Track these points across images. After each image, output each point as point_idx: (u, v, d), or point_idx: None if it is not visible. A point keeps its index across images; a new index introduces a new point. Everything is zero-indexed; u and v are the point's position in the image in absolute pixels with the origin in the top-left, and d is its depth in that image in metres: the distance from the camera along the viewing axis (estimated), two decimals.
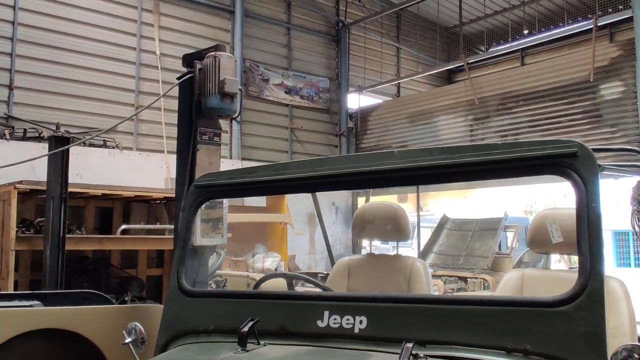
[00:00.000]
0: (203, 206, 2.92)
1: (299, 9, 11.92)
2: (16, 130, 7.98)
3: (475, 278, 7.83)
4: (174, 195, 7.66)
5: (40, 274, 6.95)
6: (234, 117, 4.19)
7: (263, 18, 11.37)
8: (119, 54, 9.26)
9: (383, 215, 3.28)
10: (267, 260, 8.44)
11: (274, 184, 2.48)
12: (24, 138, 7.86)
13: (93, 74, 8.92)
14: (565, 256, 8.24)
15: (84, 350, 4.17)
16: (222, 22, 10.71)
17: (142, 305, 6.50)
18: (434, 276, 7.26)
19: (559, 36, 10.79)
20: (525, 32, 12.65)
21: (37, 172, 7.36)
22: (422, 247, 6.29)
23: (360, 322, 2.06)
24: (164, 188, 8.42)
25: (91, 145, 8.53)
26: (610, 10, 10.47)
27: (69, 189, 6.16)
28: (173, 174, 9.02)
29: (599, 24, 9.12)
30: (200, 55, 4.19)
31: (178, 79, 4.18)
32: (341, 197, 11.50)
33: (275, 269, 8.08)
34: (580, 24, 10.63)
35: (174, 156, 9.24)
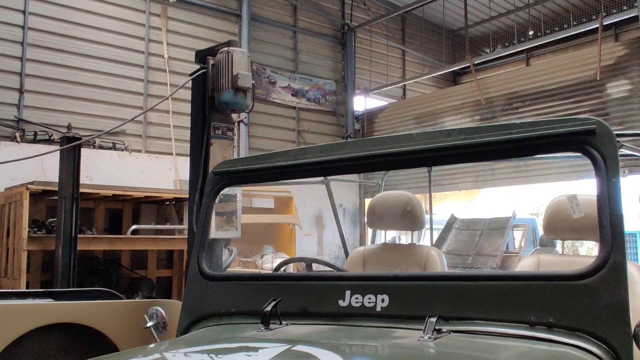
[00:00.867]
0: (217, 199, 2.95)
1: (305, 12, 11.99)
2: (27, 133, 8.05)
3: None
4: (183, 196, 7.75)
5: (51, 275, 7.00)
6: (247, 111, 4.22)
7: (269, 21, 11.45)
8: (127, 58, 9.33)
9: (398, 204, 3.30)
10: (276, 261, 8.45)
11: (292, 169, 2.51)
12: (35, 141, 7.92)
13: (102, 78, 8.99)
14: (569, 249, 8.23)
15: (99, 345, 4.19)
16: (229, 25, 10.79)
17: (156, 300, 6.53)
18: None
19: (565, 36, 10.81)
20: (531, 33, 12.68)
21: (48, 174, 7.41)
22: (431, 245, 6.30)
23: (382, 300, 2.08)
24: (174, 189, 8.46)
25: (100, 147, 8.59)
26: (614, 11, 10.50)
27: (80, 190, 6.22)
28: (182, 176, 9.11)
29: (604, 23, 9.15)
30: (212, 51, 4.23)
31: (191, 74, 4.22)
32: (348, 198, 11.52)
33: (284, 270, 8.09)
34: (586, 24, 10.66)
35: (183, 158, 9.37)
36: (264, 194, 9.19)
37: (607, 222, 1.84)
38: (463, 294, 1.98)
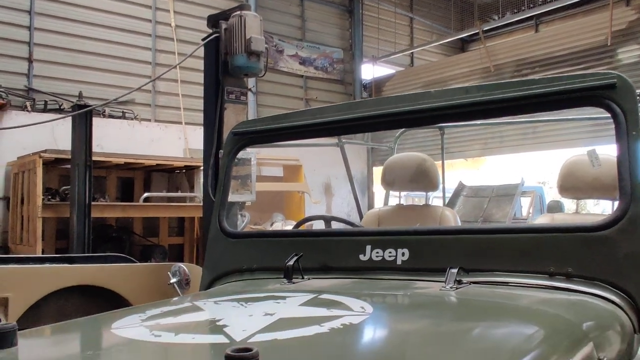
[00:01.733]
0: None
1: None
2: (37, 103, 8.07)
3: None
4: (194, 164, 7.81)
5: (66, 242, 7.11)
6: (259, 75, 4.23)
7: None
8: (135, 26, 9.28)
9: (412, 165, 3.32)
10: (285, 228, 8.53)
11: (311, 128, 2.53)
12: (45, 110, 7.95)
13: (110, 46, 8.97)
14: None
15: (117, 307, 4.27)
16: None
17: (172, 263, 6.64)
18: None
19: (574, 1, 10.65)
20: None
21: (59, 143, 7.45)
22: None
23: (403, 254, 2.12)
24: (184, 157, 8.51)
25: (110, 116, 8.61)
26: None
27: (92, 158, 6.27)
28: (191, 145, 9.14)
29: None
30: (225, 15, 4.22)
31: (204, 39, 4.22)
32: (357, 166, 11.53)
33: None
34: None
35: (192, 127, 9.39)
36: (273, 163, 9.22)
37: (626, 174, 1.86)
38: (483, 247, 2.02)
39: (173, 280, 2.56)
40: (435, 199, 6.45)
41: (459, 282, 1.92)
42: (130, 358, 1.22)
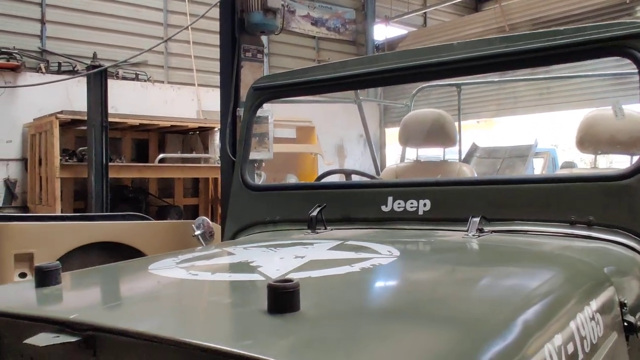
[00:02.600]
0: None
1: None
2: (51, 64, 8.08)
3: None
4: (208, 125, 7.84)
5: (83, 203, 7.23)
6: (276, 32, 4.22)
7: None
8: None
9: (430, 121, 3.33)
10: None
11: (332, 82, 2.54)
12: (59, 71, 7.97)
13: (122, 7, 8.91)
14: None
15: None
16: None
17: (190, 221, 6.75)
18: None
19: None
20: None
21: (75, 104, 7.49)
22: None
23: (424, 205, 2.15)
24: (198, 119, 8.54)
25: (124, 78, 8.62)
26: None
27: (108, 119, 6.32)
28: (205, 107, 9.15)
29: None
30: None
31: None
32: (369, 129, 11.50)
33: None
34: None
35: (205, 89, 9.37)
36: (286, 124, 9.22)
37: None
38: (504, 197, 2.05)
39: (197, 232, 2.61)
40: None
41: (481, 230, 1.95)
42: (173, 292, 1.27)
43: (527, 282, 1.44)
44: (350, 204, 2.32)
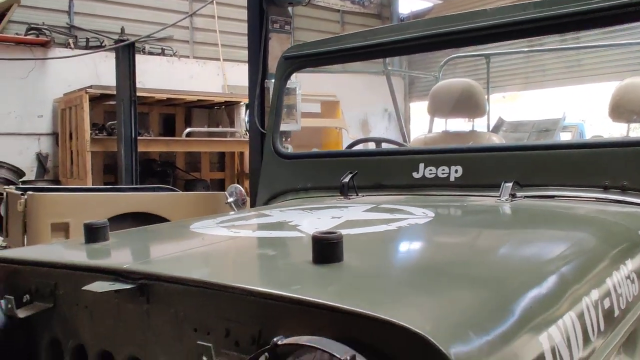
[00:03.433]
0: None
1: None
2: (79, 40, 8.17)
3: None
4: (234, 99, 7.89)
5: (113, 176, 7.37)
6: (303, 4, 4.21)
7: None
8: None
9: (460, 91, 3.31)
10: None
11: (363, 50, 2.54)
12: (87, 47, 8.06)
13: None
14: None
15: None
16: None
17: (218, 192, 6.84)
18: None
19: None
20: None
21: (102, 80, 7.59)
22: None
23: (456, 171, 2.16)
24: (224, 93, 8.59)
25: (150, 53, 8.68)
26: None
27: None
28: (230, 82, 9.19)
29: None
30: None
31: None
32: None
33: None
34: None
35: (230, 64, 9.38)
36: (310, 99, 9.21)
37: None
38: (538, 163, 2.04)
39: (230, 200, 2.67)
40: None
41: (513, 195, 1.96)
42: (219, 247, 1.32)
43: (563, 241, 1.45)
44: (381, 171, 2.34)
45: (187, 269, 1.09)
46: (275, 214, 1.77)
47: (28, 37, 7.58)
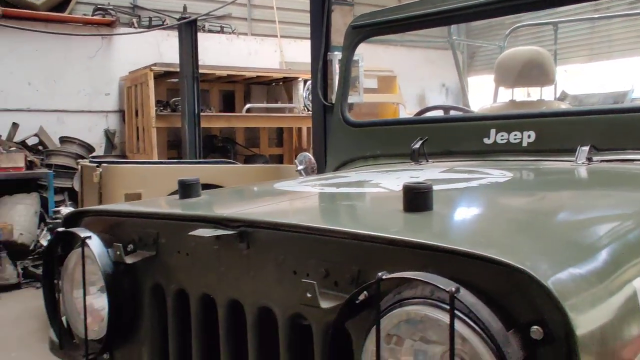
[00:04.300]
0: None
1: None
2: (142, 19, 8.40)
3: None
4: (292, 75, 7.96)
5: (175, 152, 7.60)
6: None
7: None
8: None
9: (527, 59, 3.26)
10: None
11: (431, 16, 2.53)
12: (150, 26, 8.28)
13: None
14: None
15: None
16: None
17: (281, 165, 6.99)
18: None
19: None
20: None
21: (165, 58, 7.79)
22: None
23: (529, 136, 2.14)
24: (282, 69, 8.67)
25: (209, 31, 8.84)
26: None
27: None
28: (287, 58, 9.25)
29: None
30: None
31: None
32: (452, 78, 11.26)
33: None
34: None
35: (288, 40, 9.42)
36: (367, 74, 9.17)
37: None
38: (614, 126, 2.01)
39: (300, 167, 2.74)
40: None
41: (590, 159, 1.94)
42: (307, 200, 1.38)
43: None
44: (451, 138, 2.35)
45: (285, 217, 1.16)
46: (352, 175, 1.82)
47: (95, 17, 7.85)
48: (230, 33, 9.03)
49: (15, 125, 7.01)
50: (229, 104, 8.38)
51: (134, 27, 8.20)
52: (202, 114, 6.85)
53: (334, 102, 4.26)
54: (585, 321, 0.78)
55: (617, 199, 1.38)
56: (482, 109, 3.60)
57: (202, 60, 7.82)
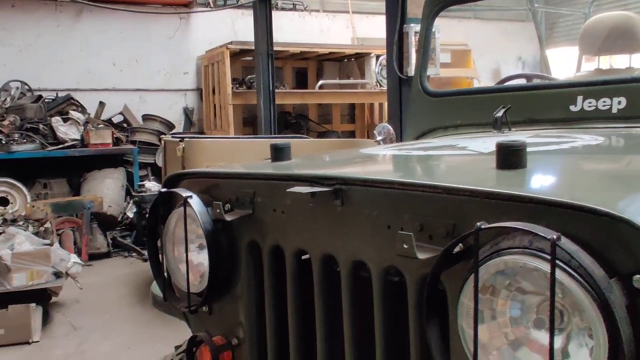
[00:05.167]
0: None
1: None
2: None
3: None
4: (364, 51, 7.94)
5: (250, 129, 7.78)
6: None
7: None
8: None
9: (617, 24, 3.11)
10: None
11: None
12: (225, 5, 8.46)
13: None
14: None
15: None
16: None
17: (354, 139, 7.05)
18: None
19: None
20: None
21: (239, 36, 7.95)
22: None
23: (619, 102, 2.07)
24: (354, 45, 8.66)
25: (282, 9, 8.92)
26: None
27: None
28: (359, 34, 9.22)
29: None
30: None
31: None
32: (528, 50, 10.87)
33: None
34: None
35: (359, 16, 9.38)
36: (441, 48, 9.00)
37: None
38: None
39: (379, 138, 2.75)
40: None
41: None
42: (396, 160, 1.41)
43: None
44: (534, 106, 2.29)
45: (378, 174, 1.20)
46: (437, 141, 1.83)
47: None
48: (302, 10, 9.08)
49: (102, 104, 7.39)
50: (301, 81, 8.47)
51: (210, 7, 8.41)
52: (276, 91, 6.98)
53: (409, 74, 4.27)
54: None
55: None
56: (567, 77, 3.47)
57: (275, 38, 7.92)
